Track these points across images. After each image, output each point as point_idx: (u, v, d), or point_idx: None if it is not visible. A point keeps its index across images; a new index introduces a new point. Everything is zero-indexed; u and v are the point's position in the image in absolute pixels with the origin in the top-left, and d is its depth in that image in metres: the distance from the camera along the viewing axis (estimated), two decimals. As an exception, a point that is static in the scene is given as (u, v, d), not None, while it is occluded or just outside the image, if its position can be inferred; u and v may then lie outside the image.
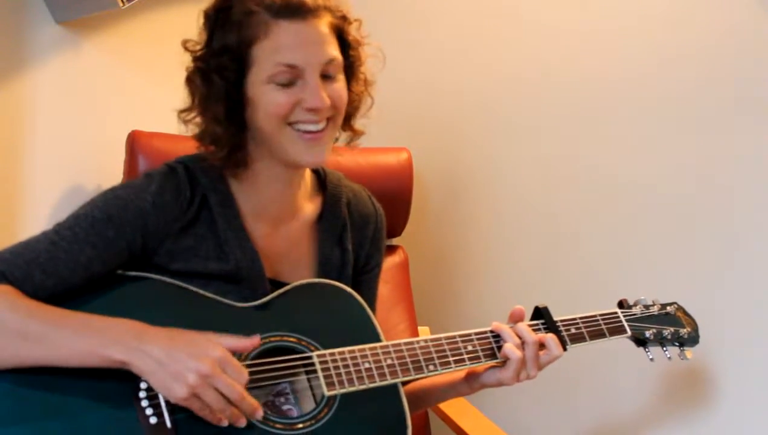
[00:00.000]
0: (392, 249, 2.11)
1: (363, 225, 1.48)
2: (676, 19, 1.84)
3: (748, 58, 1.74)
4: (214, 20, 1.28)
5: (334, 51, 1.28)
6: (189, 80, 1.31)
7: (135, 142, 1.86)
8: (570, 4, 2.01)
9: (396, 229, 2.10)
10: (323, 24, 1.27)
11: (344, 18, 1.32)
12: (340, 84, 1.31)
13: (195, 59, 1.29)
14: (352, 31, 1.34)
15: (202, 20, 1.30)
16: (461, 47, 2.24)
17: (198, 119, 1.32)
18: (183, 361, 1.10)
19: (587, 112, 2.00)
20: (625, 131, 1.94)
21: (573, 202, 2.05)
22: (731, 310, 1.78)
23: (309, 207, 1.43)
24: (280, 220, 1.39)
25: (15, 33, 1.81)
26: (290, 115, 1.26)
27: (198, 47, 1.29)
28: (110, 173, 1.94)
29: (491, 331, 1.37)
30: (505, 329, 1.36)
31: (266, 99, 1.26)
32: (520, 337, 1.36)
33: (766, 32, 1.72)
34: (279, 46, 1.24)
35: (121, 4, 1.78)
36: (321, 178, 1.46)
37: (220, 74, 1.26)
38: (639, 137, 1.92)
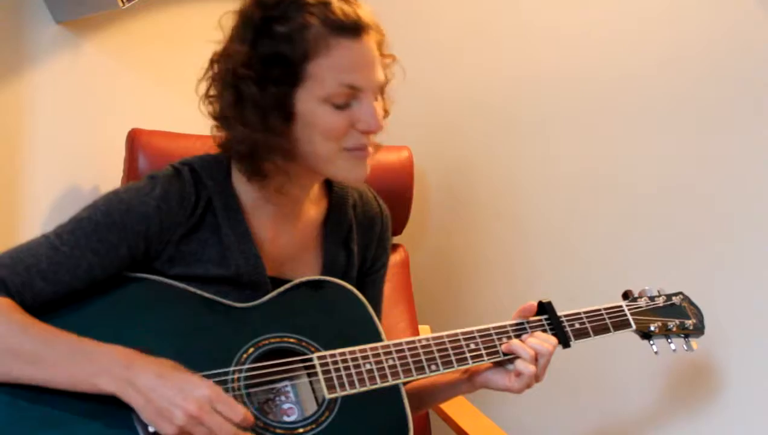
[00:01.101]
0: (393, 248, 2.11)
1: (369, 226, 1.47)
2: (676, 19, 1.83)
3: (748, 58, 1.74)
4: (260, 26, 1.22)
5: (383, 72, 1.28)
6: (225, 83, 1.25)
7: (135, 141, 1.86)
8: (570, 5, 2.01)
9: (396, 228, 2.10)
10: (373, 42, 1.25)
11: (383, 35, 1.30)
12: (382, 104, 1.30)
13: (238, 64, 1.22)
14: (386, 49, 1.32)
15: (234, 20, 1.25)
16: (462, 46, 2.23)
17: (227, 123, 1.27)
18: (170, 399, 1.09)
19: (587, 112, 2.00)
20: (626, 131, 1.94)
21: (573, 201, 2.05)
22: (733, 308, 1.78)
23: (315, 209, 1.41)
24: (288, 223, 1.38)
25: (15, 33, 1.81)
26: (344, 137, 1.24)
27: (241, 54, 1.22)
28: (110, 173, 1.95)
29: (494, 329, 1.36)
30: (517, 345, 1.34)
31: (322, 119, 1.23)
32: (534, 350, 1.33)
33: (766, 32, 1.72)
34: (340, 65, 1.21)
35: (121, 4, 1.78)
36: (327, 180, 1.44)
37: (269, 83, 1.21)
38: (639, 137, 1.92)
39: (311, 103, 1.23)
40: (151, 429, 1.12)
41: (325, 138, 1.24)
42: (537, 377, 1.34)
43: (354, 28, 1.22)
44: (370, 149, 1.28)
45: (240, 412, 1.11)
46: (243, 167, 1.29)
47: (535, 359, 1.33)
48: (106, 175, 1.99)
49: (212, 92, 1.28)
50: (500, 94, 2.16)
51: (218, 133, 1.30)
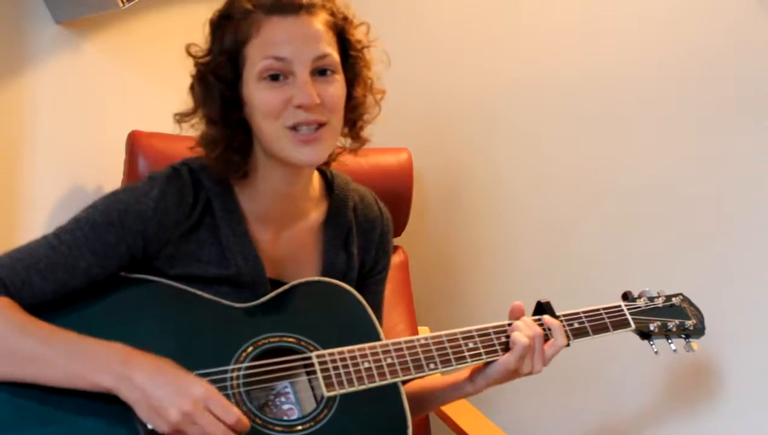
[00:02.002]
0: (392, 249, 2.11)
1: (369, 229, 1.46)
2: (676, 19, 1.83)
3: (748, 58, 1.74)
4: (216, 26, 1.29)
5: (327, 48, 1.26)
6: (191, 85, 1.31)
7: (135, 143, 1.86)
8: (569, 5, 2.01)
9: (396, 229, 2.09)
10: (318, 21, 1.26)
11: (345, 19, 1.31)
12: (336, 84, 1.28)
13: (196, 63, 1.29)
14: (357, 34, 1.32)
15: (207, 29, 1.31)
16: (461, 48, 2.23)
17: (198, 123, 1.32)
18: (165, 396, 1.09)
19: (587, 112, 2.00)
20: (625, 131, 1.94)
21: (573, 202, 2.05)
22: (733, 308, 1.78)
23: (315, 211, 1.41)
24: (286, 224, 1.38)
25: (15, 33, 1.81)
26: (283, 113, 1.24)
27: (201, 53, 1.29)
28: (110, 173, 1.95)
29: (493, 328, 1.36)
30: (517, 322, 1.36)
31: (258, 97, 1.25)
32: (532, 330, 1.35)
33: (766, 32, 1.72)
34: (268, 40, 1.24)
35: (121, 4, 1.78)
36: (328, 182, 1.44)
37: (215, 75, 1.26)
38: (638, 137, 1.92)
39: (250, 85, 1.26)
40: (149, 426, 1.12)
41: (265, 116, 1.25)
42: (534, 367, 1.34)
43: (287, 6, 1.24)
44: (321, 133, 1.26)
45: (234, 414, 1.11)
46: (214, 163, 1.30)
47: (532, 338, 1.34)
48: (107, 175, 1.98)
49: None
50: (500, 96, 2.16)
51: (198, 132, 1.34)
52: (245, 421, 1.13)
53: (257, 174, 1.33)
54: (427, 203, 2.30)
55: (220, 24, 1.28)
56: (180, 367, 1.15)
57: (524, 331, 1.34)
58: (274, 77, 1.24)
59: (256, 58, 1.24)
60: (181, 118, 1.33)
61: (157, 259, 1.28)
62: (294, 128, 1.24)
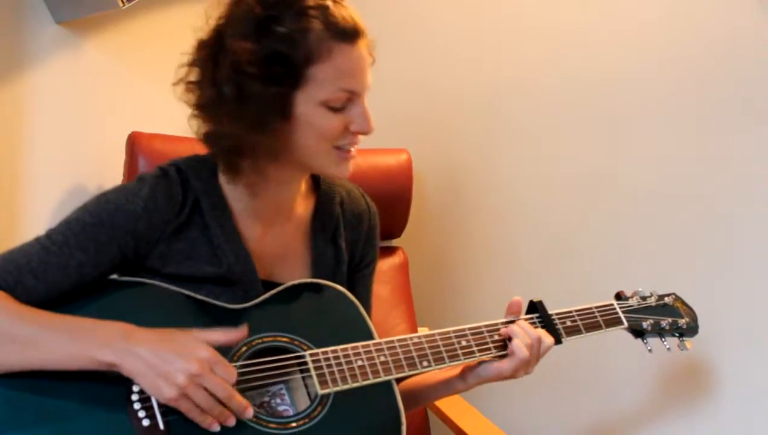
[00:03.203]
0: (392, 250, 2.11)
1: (357, 223, 1.47)
2: (676, 19, 1.83)
3: (748, 58, 1.74)
4: (262, 23, 1.21)
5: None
6: (223, 77, 1.22)
7: (135, 144, 1.86)
8: (569, 5, 2.01)
9: (396, 230, 2.10)
10: (365, 47, 1.27)
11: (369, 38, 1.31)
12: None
13: (243, 60, 1.21)
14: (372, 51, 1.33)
15: (228, 12, 1.24)
16: (460, 48, 2.24)
17: (212, 119, 1.27)
18: (171, 361, 1.10)
19: (586, 113, 2.00)
20: (624, 131, 1.94)
21: (572, 203, 2.05)
22: (730, 309, 1.77)
23: (303, 206, 1.42)
24: (275, 221, 1.38)
25: (15, 33, 1.81)
26: (339, 138, 1.27)
27: (242, 46, 1.21)
28: (110, 174, 1.95)
29: (486, 326, 1.37)
30: (514, 328, 1.36)
31: (319, 121, 1.24)
32: (529, 336, 1.35)
33: (766, 32, 1.71)
34: (340, 70, 1.23)
35: (121, 4, 1.78)
36: (315, 178, 1.46)
37: (271, 82, 1.21)
38: (639, 137, 1.91)
39: (310, 106, 1.24)
40: (145, 423, 1.12)
41: (321, 139, 1.26)
42: (528, 370, 1.35)
43: (352, 33, 1.23)
44: (355, 148, 1.31)
45: (234, 374, 1.14)
46: (221, 160, 1.30)
47: (531, 346, 1.34)
48: (107, 176, 1.99)
49: (193, 78, 1.28)
50: (499, 96, 2.16)
51: (200, 122, 1.29)
52: (234, 377, 1.14)
53: (257, 176, 1.32)
54: (427, 204, 2.30)
55: (268, 25, 1.21)
56: (182, 330, 1.16)
57: (524, 339, 1.34)
58: (339, 108, 1.25)
59: (327, 85, 1.23)
60: (205, 109, 1.27)
61: (149, 258, 1.29)
62: (340, 146, 1.28)
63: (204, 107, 1.27)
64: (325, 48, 1.21)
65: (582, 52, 1.99)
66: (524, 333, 1.35)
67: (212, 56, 1.24)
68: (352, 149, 1.30)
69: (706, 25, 1.79)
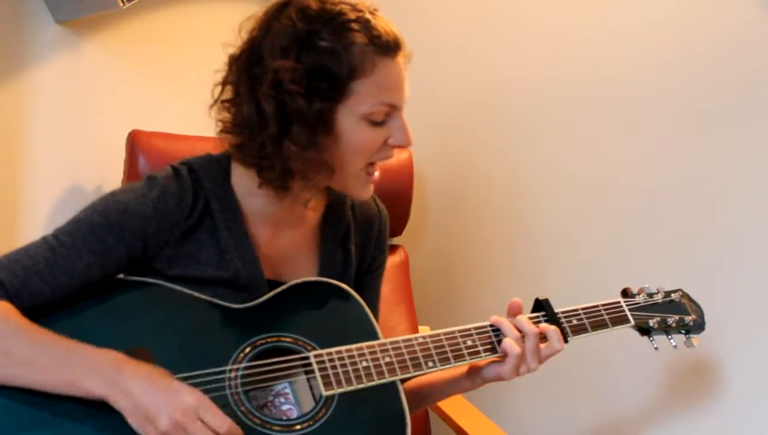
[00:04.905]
0: (393, 249, 2.11)
1: (367, 227, 1.46)
2: (678, 19, 1.83)
3: (748, 58, 1.74)
4: (304, 38, 1.19)
5: None
6: (264, 95, 1.20)
7: (135, 142, 1.86)
8: (571, 5, 2.01)
9: (396, 229, 2.10)
10: (403, 59, 1.26)
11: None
12: None
13: (286, 78, 1.18)
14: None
15: (263, 27, 1.22)
16: (462, 47, 2.24)
17: (251, 138, 1.23)
18: (157, 405, 1.08)
19: (587, 112, 2.00)
20: (626, 131, 1.94)
21: (573, 202, 2.05)
22: (733, 307, 1.77)
23: (313, 210, 1.41)
24: (285, 224, 1.37)
25: (15, 33, 1.81)
26: (376, 153, 1.27)
27: (283, 64, 1.18)
28: (110, 173, 1.95)
29: (491, 325, 1.35)
30: (504, 323, 1.34)
31: (359, 135, 1.23)
32: (520, 330, 1.33)
33: (766, 32, 1.71)
34: (383, 84, 1.22)
35: (121, 4, 1.78)
36: None
37: (315, 98, 1.20)
38: (640, 137, 1.91)
39: (351, 120, 1.23)
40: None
41: (359, 153, 1.25)
42: (529, 366, 1.33)
43: (394, 47, 1.23)
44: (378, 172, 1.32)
45: (226, 423, 1.10)
46: (272, 181, 1.26)
47: (521, 339, 1.32)
48: (107, 175, 1.99)
49: (228, 97, 1.25)
50: (500, 96, 2.16)
51: (233, 140, 1.26)
52: (238, 431, 1.12)
53: (291, 189, 1.30)
54: (428, 203, 2.30)
55: (310, 39, 1.19)
56: (173, 376, 1.14)
57: (510, 333, 1.32)
58: (380, 122, 1.25)
59: (369, 99, 1.21)
60: (244, 128, 1.23)
61: (156, 260, 1.28)
62: (369, 166, 1.28)
63: (242, 126, 1.24)
64: (369, 62, 1.20)
65: (583, 53, 1.99)
66: (510, 328, 1.33)
67: (249, 73, 1.22)
68: (377, 173, 1.30)
69: (706, 26, 1.79)
